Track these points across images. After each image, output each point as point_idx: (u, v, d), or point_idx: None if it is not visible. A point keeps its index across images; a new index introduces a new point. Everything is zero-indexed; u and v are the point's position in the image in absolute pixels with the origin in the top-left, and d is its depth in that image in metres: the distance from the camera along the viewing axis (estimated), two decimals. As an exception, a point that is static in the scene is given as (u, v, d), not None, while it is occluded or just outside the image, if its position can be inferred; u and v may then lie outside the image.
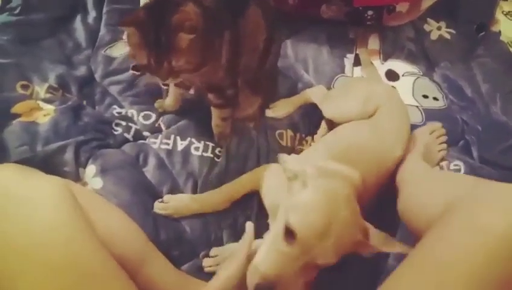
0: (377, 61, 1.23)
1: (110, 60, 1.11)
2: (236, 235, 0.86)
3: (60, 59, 1.07)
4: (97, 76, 1.08)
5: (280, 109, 1.05)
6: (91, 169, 0.87)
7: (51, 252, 0.49)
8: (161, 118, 1.01)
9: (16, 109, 0.92)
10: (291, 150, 1.00)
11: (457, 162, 1.00)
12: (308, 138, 1.03)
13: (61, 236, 0.51)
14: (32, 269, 0.48)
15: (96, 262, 0.53)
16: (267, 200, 0.81)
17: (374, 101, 0.93)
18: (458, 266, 0.48)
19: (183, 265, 0.81)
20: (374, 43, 1.27)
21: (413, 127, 1.01)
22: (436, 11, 1.31)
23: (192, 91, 1.03)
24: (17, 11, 1.11)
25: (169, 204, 0.85)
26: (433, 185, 0.72)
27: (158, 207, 0.85)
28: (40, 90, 0.98)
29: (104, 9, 1.21)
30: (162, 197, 0.88)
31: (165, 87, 1.06)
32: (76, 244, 0.52)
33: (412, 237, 0.66)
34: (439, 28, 1.32)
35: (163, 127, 1.00)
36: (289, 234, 0.59)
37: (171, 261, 0.78)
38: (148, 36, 0.70)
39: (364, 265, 0.57)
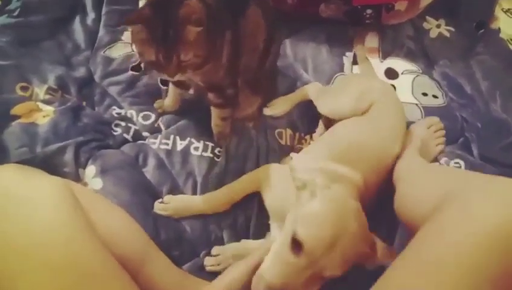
0: (376, 60, 1.22)
1: (109, 60, 1.11)
2: (237, 235, 0.86)
3: (59, 60, 1.07)
4: (96, 77, 1.08)
5: (278, 107, 1.05)
6: (91, 170, 0.87)
7: (51, 252, 0.49)
8: (160, 118, 1.01)
9: (16, 110, 0.92)
10: (291, 149, 1.00)
11: (457, 160, 1.00)
12: (307, 137, 1.03)
13: (62, 236, 0.51)
14: (33, 269, 0.48)
15: (96, 262, 0.53)
16: (270, 202, 0.81)
17: (368, 97, 0.92)
18: (452, 261, 0.48)
19: (183, 265, 0.81)
20: (373, 41, 1.26)
21: (413, 125, 1.01)
22: (435, 9, 1.31)
23: (191, 91, 1.03)
24: (16, 13, 1.12)
25: (169, 205, 0.85)
26: (427, 180, 0.72)
27: (158, 207, 0.85)
28: (40, 91, 0.98)
29: (103, 11, 1.21)
30: (162, 197, 0.88)
31: (164, 88, 1.06)
32: (77, 244, 0.52)
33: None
34: (438, 26, 1.32)
35: (162, 127, 1.00)
36: (296, 244, 0.59)
37: (172, 261, 0.77)
38: (156, 31, 0.70)
39: (369, 277, 0.56)
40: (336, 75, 1.16)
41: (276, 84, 1.09)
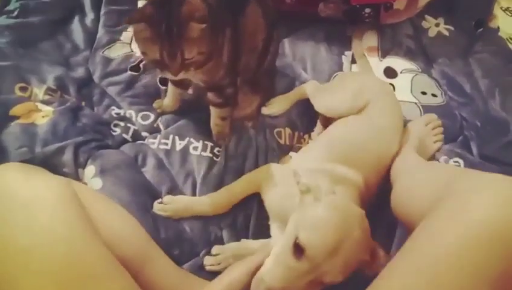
0: (375, 58, 1.22)
1: (108, 61, 1.11)
2: (236, 234, 0.85)
3: (58, 61, 1.07)
4: (95, 77, 1.08)
5: (275, 106, 1.05)
6: (90, 170, 0.87)
7: (52, 252, 0.49)
8: (160, 118, 1.01)
9: (15, 111, 0.92)
10: (290, 149, 1.00)
11: (456, 158, 1.00)
12: (306, 136, 1.03)
13: (62, 236, 0.51)
14: (33, 269, 0.48)
15: (97, 262, 0.53)
16: (270, 203, 0.81)
17: (364, 95, 0.92)
18: (449, 263, 0.47)
19: (183, 264, 0.81)
20: (372, 40, 1.26)
21: (412, 123, 1.01)
22: (434, 8, 1.31)
23: (190, 91, 1.03)
24: (15, 14, 1.12)
25: (168, 206, 0.85)
26: (424, 178, 0.71)
27: (157, 208, 0.85)
28: (39, 92, 0.98)
29: (102, 11, 1.21)
30: (161, 197, 0.88)
31: (163, 88, 1.06)
32: (78, 244, 0.52)
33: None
34: (437, 25, 1.32)
35: (161, 127, 1.00)
36: (298, 249, 0.59)
37: (172, 261, 0.77)
38: (159, 29, 0.70)
39: (368, 282, 0.56)
40: (335, 75, 1.16)
41: (275, 84, 1.09)
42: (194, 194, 0.90)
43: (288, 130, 1.03)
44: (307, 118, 1.05)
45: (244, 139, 0.99)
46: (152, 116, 1.01)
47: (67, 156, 0.87)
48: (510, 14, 1.41)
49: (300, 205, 0.65)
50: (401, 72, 1.20)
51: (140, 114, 1.01)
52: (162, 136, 0.97)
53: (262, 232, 0.82)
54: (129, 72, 1.09)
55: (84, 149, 0.89)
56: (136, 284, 0.58)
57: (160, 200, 0.86)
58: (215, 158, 0.95)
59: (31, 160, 0.83)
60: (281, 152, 0.99)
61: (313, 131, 1.03)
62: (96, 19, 1.20)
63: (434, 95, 1.15)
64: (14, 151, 0.85)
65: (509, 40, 1.32)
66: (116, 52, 1.14)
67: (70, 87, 1.03)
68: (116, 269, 0.55)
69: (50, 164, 0.84)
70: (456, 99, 1.14)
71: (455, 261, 0.47)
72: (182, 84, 0.97)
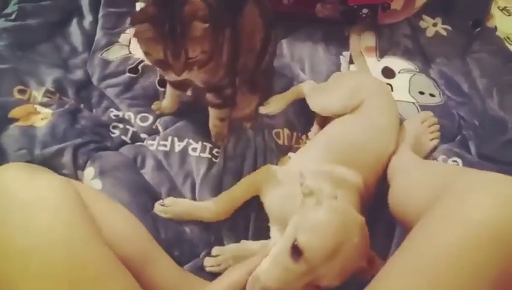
0: (373, 58, 1.23)
1: (106, 63, 1.11)
2: (236, 235, 0.85)
3: (56, 63, 1.07)
4: (94, 79, 1.08)
5: (272, 105, 1.05)
6: (89, 171, 0.87)
7: (52, 253, 0.49)
8: (158, 120, 1.01)
9: (13, 113, 0.92)
10: (289, 149, 1.00)
11: (455, 158, 1.00)
12: (304, 137, 1.03)
13: (63, 237, 0.51)
14: (33, 270, 0.48)
15: (99, 262, 0.52)
16: (270, 205, 0.81)
17: (359, 94, 0.92)
18: (450, 261, 0.47)
19: (183, 265, 0.81)
20: (370, 40, 1.27)
21: (410, 123, 1.01)
22: (431, 8, 1.32)
23: (189, 92, 1.03)
24: (13, 17, 1.12)
25: (169, 208, 0.85)
26: (420, 177, 0.71)
27: (158, 209, 0.85)
28: (37, 94, 0.98)
29: (100, 13, 1.22)
30: (161, 198, 0.88)
31: (162, 89, 1.06)
32: (79, 245, 0.51)
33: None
34: (435, 25, 1.32)
35: (160, 128, 1.00)
36: (296, 251, 0.59)
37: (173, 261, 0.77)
38: (163, 29, 0.70)
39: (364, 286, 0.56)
40: (333, 75, 1.16)
41: (273, 84, 1.09)
42: (193, 194, 0.90)
43: (286, 131, 1.03)
44: (305, 118, 1.05)
45: (243, 140, 0.99)
46: (151, 118, 1.01)
47: (67, 158, 0.87)
48: (507, 14, 1.42)
49: (302, 207, 0.65)
50: (399, 72, 1.21)
51: (139, 116, 1.02)
52: (160, 138, 0.98)
53: (262, 233, 0.82)
54: (127, 74, 1.09)
55: (83, 151, 0.89)
56: (137, 284, 0.58)
57: (161, 201, 0.86)
58: (214, 159, 0.95)
59: (30, 162, 0.83)
60: (279, 153, 0.99)
61: (310, 131, 1.03)
62: (95, 21, 1.20)
63: (432, 95, 1.16)
64: (13, 154, 0.86)
65: (507, 39, 1.32)
66: (115, 54, 1.14)
67: (68, 90, 1.03)
68: (118, 269, 0.55)
69: (49, 165, 0.84)
70: (454, 99, 1.15)
71: (455, 261, 0.47)
72: (180, 86, 0.98)
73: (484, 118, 1.10)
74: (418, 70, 1.22)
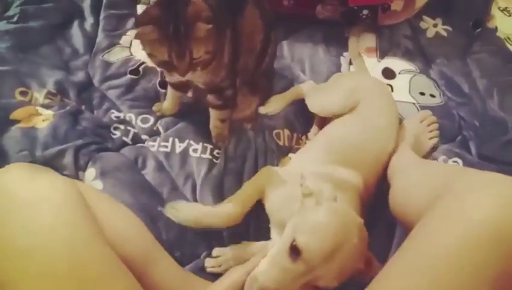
0: (373, 59, 1.23)
1: (107, 65, 1.12)
2: (237, 236, 0.85)
3: (58, 65, 1.08)
4: (95, 81, 1.09)
5: (272, 105, 1.05)
6: (91, 172, 0.87)
7: (54, 253, 0.49)
8: (159, 121, 1.02)
9: (15, 115, 0.92)
10: (289, 150, 1.00)
11: (455, 158, 1.00)
12: (304, 137, 1.04)
13: (64, 237, 0.51)
14: (35, 271, 0.48)
15: (101, 262, 0.52)
16: (270, 207, 0.81)
17: (356, 94, 0.93)
18: (450, 261, 0.47)
19: (184, 266, 0.81)
20: (370, 41, 1.27)
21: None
22: (432, 9, 1.32)
23: (190, 94, 1.04)
24: (15, 19, 1.13)
25: (179, 214, 0.82)
26: (420, 176, 0.71)
27: (169, 212, 0.83)
28: (39, 96, 0.98)
29: (101, 15, 1.22)
30: (162, 198, 0.88)
31: (163, 91, 1.06)
32: (80, 246, 0.51)
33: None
34: (435, 25, 1.32)
35: (161, 130, 1.00)
36: (295, 251, 0.59)
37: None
38: (167, 30, 0.71)
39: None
40: (333, 76, 1.17)
41: (273, 85, 1.09)
42: (194, 195, 0.90)
43: (286, 132, 1.03)
44: (305, 119, 1.06)
45: (244, 141, 0.99)
46: (152, 119, 1.02)
47: (68, 159, 0.87)
48: (508, 14, 1.42)
49: (301, 207, 0.65)
50: (399, 73, 1.21)
51: (140, 117, 1.02)
52: (161, 139, 0.98)
53: (263, 234, 0.82)
54: (129, 76, 1.10)
55: (84, 152, 0.90)
56: (138, 285, 0.58)
57: (173, 203, 0.84)
58: (214, 160, 0.95)
59: (31, 163, 0.83)
60: (280, 153, 0.99)
61: (309, 131, 1.04)
62: (96, 24, 1.21)
63: (432, 96, 1.16)
64: (15, 155, 0.86)
65: (507, 40, 1.32)
66: (116, 56, 1.14)
67: (70, 91, 1.03)
68: (119, 269, 0.55)
69: (50, 167, 0.82)
70: (455, 100, 1.15)
71: (455, 261, 0.47)
72: (181, 87, 0.98)
73: (484, 119, 1.10)
74: (418, 71, 1.22)
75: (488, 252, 0.46)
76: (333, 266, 0.58)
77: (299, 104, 1.06)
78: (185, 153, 0.96)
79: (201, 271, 0.80)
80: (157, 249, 0.74)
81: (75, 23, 1.19)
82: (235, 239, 0.85)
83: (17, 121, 0.92)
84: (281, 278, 0.59)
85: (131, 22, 1.22)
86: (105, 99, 1.05)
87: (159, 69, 1.10)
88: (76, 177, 0.86)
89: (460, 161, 1.00)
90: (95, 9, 1.23)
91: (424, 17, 1.33)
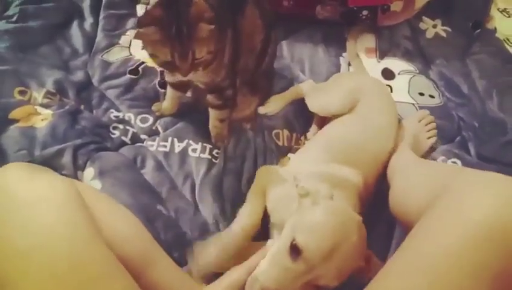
0: (373, 60, 1.23)
1: (107, 64, 1.12)
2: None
3: (57, 65, 1.08)
4: (94, 81, 1.09)
5: (271, 105, 1.05)
6: (89, 172, 0.87)
7: (53, 254, 0.49)
8: (158, 121, 1.02)
9: (14, 114, 0.92)
10: (288, 150, 1.00)
11: (454, 159, 1.00)
12: (303, 138, 1.04)
13: (64, 237, 0.50)
14: (34, 271, 0.48)
15: (100, 262, 0.52)
16: (271, 206, 0.80)
17: (356, 95, 0.93)
18: (450, 261, 0.47)
19: (183, 266, 0.80)
20: (370, 41, 1.27)
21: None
22: (431, 9, 1.32)
23: (189, 94, 1.04)
24: (14, 19, 1.13)
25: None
26: (420, 176, 0.71)
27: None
28: (38, 95, 0.99)
29: (101, 15, 1.22)
30: (161, 198, 0.88)
31: (162, 91, 1.06)
32: (80, 246, 0.51)
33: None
34: (434, 26, 1.33)
35: (160, 129, 1.00)
36: (295, 250, 0.59)
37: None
38: (169, 31, 0.70)
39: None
40: (333, 76, 1.17)
41: (273, 85, 1.09)
42: (193, 195, 0.90)
43: (286, 132, 1.03)
44: (304, 119, 1.06)
45: (243, 140, 0.99)
46: (151, 119, 1.02)
47: (66, 159, 0.87)
48: (507, 15, 1.42)
49: (299, 208, 0.65)
50: (398, 74, 1.21)
51: (139, 117, 1.02)
52: (160, 139, 0.98)
53: (262, 234, 0.82)
54: (128, 76, 1.10)
55: (83, 151, 0.89)
56: (136, 285, 0.57)
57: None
58: (213, 160, 0.95)
59: (30, 163, 0.83)
60: (279, 153, 0.99)
61: (308, 131, 1.04)
62: (95, 23, 1.21)
63: (431, 96, 1.16)
64: (13, 155, 0.86)
65: (506, 41, 1.32)
66: (115, 56, 1.14)
67: (69, 91, 1.03)
68: (118, 269, 0.55)
69: (49, 166, 0.82)
70: (454, 100, 1.15)
71: (454, 261, 0.47)
72: (181, 87, 0.98)
73: (484, 119, 1.10)
74: (417, 71, 1.22)
75: (487, 251, 0.46)
76: (333, 265, 0.58)
77: (299, 104, 1.06)
78: (184, 153, 0.96)
79: (199, 271, 0.80)
80: (155, 250, 0.74)
81: (75, 23, 1.19)
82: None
83: (15, 121, 0.92)
84: (282, 278, 0.59)
85: (130, 22, 1.22)
86: (104, 99, 1.05)
87: (158, 69, 1.10)
88: (75, 177, 0.86)
89: (459, 162, 0.99)
90: (95, 9, 1.23)
91: (424, 18, 1.33)
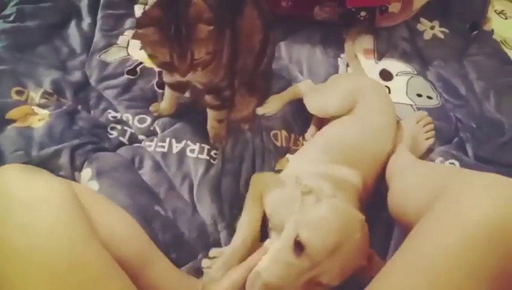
0: (371, 61, 1.23)
1: (104, 65, 1.11)
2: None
3: (54, 65, 1.07)
4: (92, 81, 1.08)
5: (269, 106, 1.05)
6: (87, 172, 0.87)
7: (52, 255, 0.49)
8: (156, 122, 1.01)
9: (11, 114, 0.92)
10: (287, 151, 1.00)
11: (452, 160, 1.01)
12: (301, 138, 1.04)
13: (62, 238, 0.50)
14: (33, 272, 0.48)
15: (98, 263, 0.52)
16: (270, 210, 0.80)
17: (355, 96, 0.93)
18: (449, 262, 0.48)
19: (181, 267, 0.80)
20: (368, 42, 1.27)
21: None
22: (429, 11, 1.33)
23: (187, 94, 1.03)
24: (11, 18, 1.12)
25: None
26: (419, 178, 0.72)
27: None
28: (35, 95, 0.98)
29: (99, 15, 1.22)
30: (159, 198, 0.88)
31: (160, 91, 1.06)
32: (78, 247, 0.51)
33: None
34: (432, 28, 1.33)
35: (158, 130, 1.00)
36: (299, 246, 0.58)
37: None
38: (168, 32, 0.70)
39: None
40: (331, 77, 1.17)
41: (271, 86, 1.09)
42: (191, 195, 0.90)
43: (284, 133, 1.03)
44: (302, 120, 1.06)
45: (241, 141, 0.99)
46: (149, 120, 1.01)
47: (64, 159, 0.87)
48: (504, 17, 1.43)
49: (301, 205, 0.65)
50: (396, 75, 1.21)
51: (137, 117, 1.02)
52: (158, 139, 0.98)
53: (261, 235, 0.82)
54: (126, 76, 1.09)
55: (80, 152, 0.89)
56: (133, 286, 0.57)
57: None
58: (212, 161, 0.95)
59: (27, 163, 0.82)
60: (277, 154, 0.99)
61: (306, 132, 1.04)
62: (93, 23, 1.20)
63: (429, 97, 1.16)
64: (10, 155, 0.85)
65: (503, 42, 1.33)
66: (113, 56, 1.14)
67: (66, 91, 1.03)
68: (115, 270, 0.55)
69: (46, 167, 0.83)
70: (451, 101, 1.15)
71: (454, 261, 0.47)
72: (179, 88, 0.98)
73: (481, 121, 1.10)
74: (415, 72, 1.22)
75: (486, 252, 0.47)
76: (337, 261, 0.58)
77: (297, 105, 1.07)
78: (182, 154, 0.95)
79: (198, 272, 0.80)
80: (153, 251, 0.74)
81: (72, 23, 1.19)
82: (231, 240, 0.85)
83: (12, 121, 0.91)
84: (285, 274, 0.58)
85: (128, 22, 1.22)
86: (102, 99, 1.04)
87: (156, 70, 1.10)
88: (72, 178, 0.86)
89: (457, 163, 1.00)
90: (93, 9, 1.23)
91: (422, 19, 1.34)
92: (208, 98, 0.91)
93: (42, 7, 1.17)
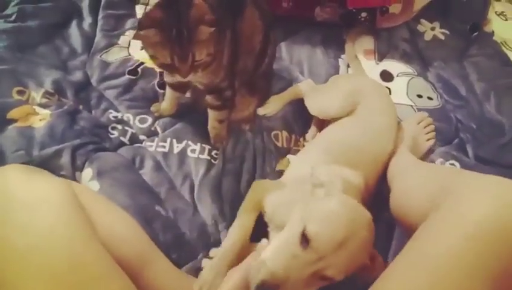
0: (372, 62, 1.24)
1: (105, 65, 1.12)
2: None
3: (55, 65, 1.08)
4: (93, 81, 1.08)
5: (270, 106, 1.05)
6: (87, 172, 0.87)
7: (52, 255, 0.49)
8: (157, 122, 1.01)
9: (12, 114, 0.92)
10: (287, 151, 1.00)
11: (452, 161, 1.01)
12: (302, 139, 1.04)
13: (62, 239, 0.51)
14: (33, 272, 0.48)
15: (97, 263, 0.52)
16: (272, 212, 0.79)
17: (356, 97, 0.93)
18: (451, 262, 0.48)
19: (182, 267, 0.80)
20: (368, 43, 1.28)
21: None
22: (429, 12, 1.33)
23: (188, 94, 1.04)
24: (12, 18, 1.13)
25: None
26: (420, 179, 0.72)
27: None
28: (36, 95, 0.98)
29: (100, 15, 1.22)
30: (160, 198, 0.88)
31: (161, 91, 1.06)
32: (78, 247, 0.51)
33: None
34: (433, 29, 1.33)
35: (159, 130, 1.00)
36: (305, 238, 0.59)
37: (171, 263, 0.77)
38: (170, 33, 0.70)
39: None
40: (332, 78, 1.17)
41: (272, 86, 1.09)
42: (192, 195, 0.90)
43: (285, 133, 1.03)
44: (303, 120, 1.06)
45: (242, 141, 1.00)
46: (150, 120, 1.01)
47: (65, 159, 0.87)
48: (504, 19, 1.43)
49: (311, 197, 0.65)
50: (397, 76, 1.21)
51: (138, 117, 1.02)
52: (159, 139, 0.98)
53: (260, 235, 0.82)
54: (127, 76, 1.10)
55: (81, 152, 0.89)
56: (133, 286, 0.57)
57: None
58: (212, 161, 0.95)
59: (28, 163, 0.83)
60: (278, 155, 0.99)
61: (307, 133, 1.04)
62: (94, 23, 1.21)
63: (430, 98, 1.16)
64: (11, 155, 0.85)
65: (504, 43, 1.33)
66: (114, 56, 1.14)
67: (67, 91, 1.03)
68: (115, 270, 0.55)
69: (47, 167, 0.84)
70: (452, 102, 1.15)
71: (455, 262, 0.48)
72: (180, 88, 0.98)
73: (481, 121, 1.10)
74: (416, 73, 1.22)
75: (487, 252, 0.47)
76: (342, 256, 0.58)
77: (297, 105, 1.07)
78: (183, 154, 0.95)
79: (198, 272, 0.79)
80: (153, 251, 0.74)
81: (74, 23, 1.19)
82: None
83: (14, 121, 0.91)
84: (291, 265, 0.58)
85: (129, 22, 1.22)
86: (103, 99, 1.05)
87: (157, 70, 1.10)
88: (73, 178, 0.86)
89: (457, 164, 1.00)
90: (94, 9, 1.23)
91: (422, 20, 1.34)
92: (208, 98, 0.91)
93: (43, 7, 1.18)
